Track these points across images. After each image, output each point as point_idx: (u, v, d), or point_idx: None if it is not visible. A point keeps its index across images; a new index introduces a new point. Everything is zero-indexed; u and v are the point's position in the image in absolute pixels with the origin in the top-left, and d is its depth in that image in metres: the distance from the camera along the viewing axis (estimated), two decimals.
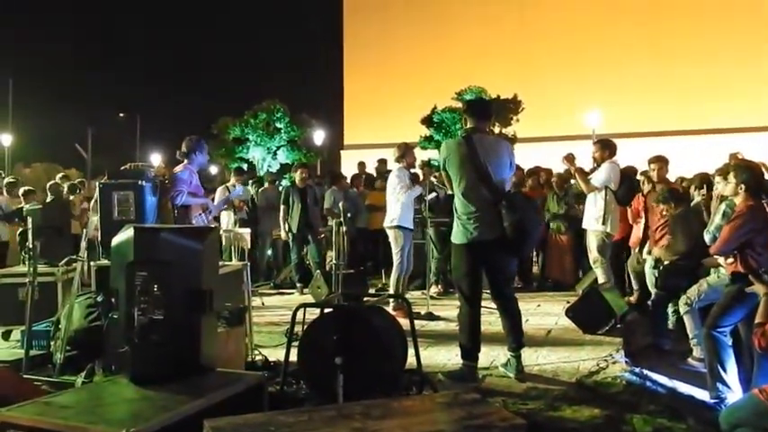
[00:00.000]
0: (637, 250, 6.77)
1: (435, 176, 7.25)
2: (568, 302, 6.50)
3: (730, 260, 4.00)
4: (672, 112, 27.84)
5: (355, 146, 29.92)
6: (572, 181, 8.18)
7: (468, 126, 4.66)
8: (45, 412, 2.76)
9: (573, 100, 27.25)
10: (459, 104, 20.09)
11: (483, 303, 4.55)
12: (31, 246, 4.97)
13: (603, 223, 6.51)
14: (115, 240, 3.37)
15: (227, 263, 5.45)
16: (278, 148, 25.37)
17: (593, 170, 6.89)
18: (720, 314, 3.85)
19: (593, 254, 6.70)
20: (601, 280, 6.59)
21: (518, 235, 4.28)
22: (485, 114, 4.76)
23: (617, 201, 6.67)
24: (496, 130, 22.61)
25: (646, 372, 4.38)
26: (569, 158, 6.74)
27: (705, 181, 6.16)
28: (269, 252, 10.31)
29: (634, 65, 28.51)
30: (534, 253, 9.05)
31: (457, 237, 4.53)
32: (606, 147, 6.72)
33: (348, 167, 19.36)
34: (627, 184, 6.99)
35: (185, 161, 5.52)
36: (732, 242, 3.93)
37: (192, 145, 5.56)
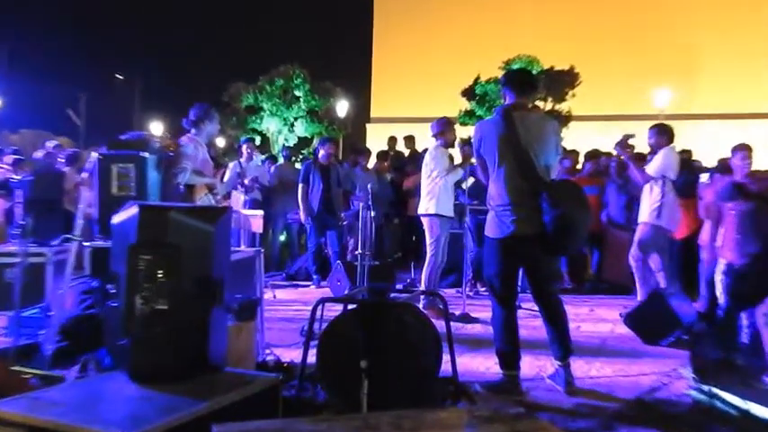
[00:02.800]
0: None
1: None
2: (626, 308, 6.48)
3: None
4: (753, 93, 27.23)
5: (384, 119, 29.84)
6: None
7: (507, 102, 4.57)
8: (35, 408, 2.82)
9: (638, 74, 26.79)
10: None
11: (526, 305, 4.54)
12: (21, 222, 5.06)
13: (658, 216, 6.53)
14: (116, 219, 3.42)
15: (237, 249, 5.50)
16: (296, 119, 25.40)
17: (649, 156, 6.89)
18: None
19: (634, 248, 6.87)
20: (663, 283, 6.55)
21: (561, 231, 4.21)
22: (527, 88, 4.64)
23: (676, 192, 6.66)
24: (549, 106, 22.39)
25: (715, 390, 4.34)
26: (623, 143, 6.72)
27: None
28: (281, 238, 10.38)
29: (709, 38, 27.89)
30: (588, 250, 9.01)
31: (491, 230, 4.49)
32: (663, 132, 6.77)
33: (375, 143, 19.34)
34: (687, 173, 7.01)
35: (192, 131, 5.57)
36: None
37: (201, 113, 5.61)
